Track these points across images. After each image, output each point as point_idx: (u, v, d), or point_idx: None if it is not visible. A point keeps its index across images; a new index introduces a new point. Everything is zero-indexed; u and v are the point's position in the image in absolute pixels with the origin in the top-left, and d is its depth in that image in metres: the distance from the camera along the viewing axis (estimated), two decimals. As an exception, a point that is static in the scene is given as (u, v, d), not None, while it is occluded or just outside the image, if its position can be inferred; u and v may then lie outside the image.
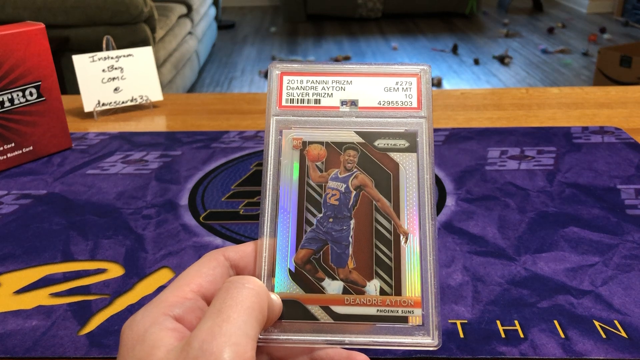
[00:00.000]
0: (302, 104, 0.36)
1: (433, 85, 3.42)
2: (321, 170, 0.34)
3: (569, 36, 4.43)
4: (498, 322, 0.43)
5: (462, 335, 0.41)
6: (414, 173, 0.34)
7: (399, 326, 0.31)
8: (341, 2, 4.97)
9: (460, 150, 0.72)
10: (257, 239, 0.33)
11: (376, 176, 0.34)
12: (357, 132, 0.35)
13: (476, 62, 3.82)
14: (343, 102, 0.36)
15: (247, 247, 0.33)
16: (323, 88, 0.36)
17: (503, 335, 0.41)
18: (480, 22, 4.97)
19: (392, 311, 0.31)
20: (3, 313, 0.45)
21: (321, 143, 0.35)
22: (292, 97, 0.36)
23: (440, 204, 0.60)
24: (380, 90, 0.36)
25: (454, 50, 4.10)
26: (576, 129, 0.77)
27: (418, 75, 0.36)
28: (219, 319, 0.26)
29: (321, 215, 0.33)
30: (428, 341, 0.31)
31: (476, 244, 0.52)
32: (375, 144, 0.35)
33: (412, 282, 0.32)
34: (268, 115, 0.35)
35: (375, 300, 0.32)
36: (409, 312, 0.31)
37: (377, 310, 0.32)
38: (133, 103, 0.88)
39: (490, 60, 3.89)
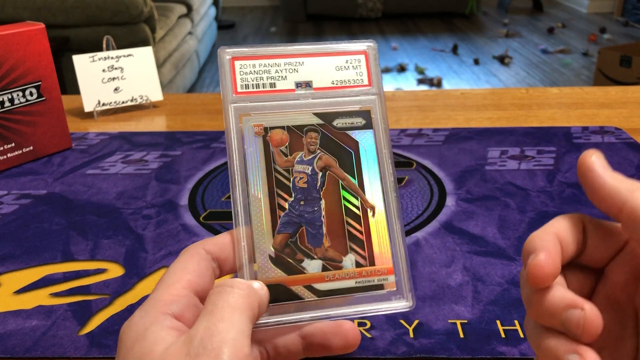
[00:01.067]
0: (257, 89, 0.36)
1: (433, 85, 3.42)
2: (286, 155, 0.35)
3: (569, 36, 4.43)
4: (498, 322, 0.43)
5: (462, 335, 0.41)
6: (373, 149, 0.36)
7: (377, 294, 0.34)
8: (341, 2, 4.97)
9: (460, 150, 0.72)
10: (233, 229, 0.34)
11: (339, 156, 0.35)
12: (316, 114, 0.36)
13: (476, 62, 3.82)
14: (298, 84, 0.36)
15: (225, 239, 0.33)
16: (277, 71, 0.36)
17: (503, 335, 0.41)
18: (480, 22, 4.97)
19: (368, 281, 0.34)
20: (3, 313, 0.45)
21: (282, 128, 0.35)
22: (246, 83, 0.36)
23: (440, 204, 0.60)
24: (332, 70, 0.37)
25: (454, 50, 4.10)
26: (576, 129, 0.77)
27: (365, 52, 0.37)
28: (214, 319, 0.27)
29: (292, 199, 0.34)
30: (403, 304, 0.34)
31: (476, 244, 0.52)
32: (334, 124, 0.36)
33: (383, 251, 0.34)
34: (225, 104, 0.35)
35: (352, 273, 0.34)
36: (384, 279, 0.34)
37: (356, 282, 0.34)
38: (133, 103, 0.88)
39: (490, 60, 3.89)
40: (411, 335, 0.42)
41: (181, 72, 3.00)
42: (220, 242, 0.33)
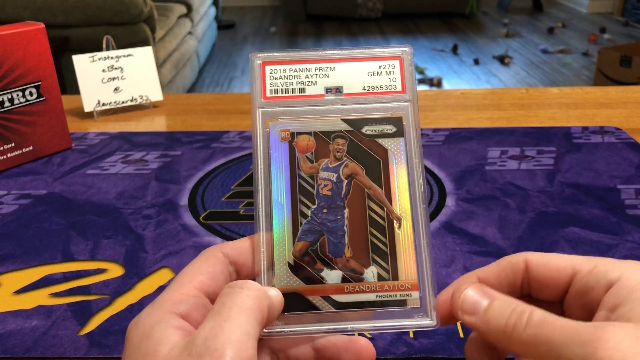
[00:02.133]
0: (286, 94, 0.35)
1: (433, 85, 3.42)
2: (311, 161, 0.34)
3: (569, 36, 4.43)
4: (498, 322, 0.43)
5: (462, 335, 0.41)
6: (403, 158, 0.34)
7: (399, 310, 0.32)
8: (341, 2, 4.97)
9: (460, 150, 0.72)
10: (253, 235, 0.33)
11: (366, 163, 0.34)
12: (344, 120, 0.35)
13: (476, 62, 3.82)
14: (328, 90, 0.35)
15: (244, 243, 0.33)
16: (307, 76, 0.35)
17: (503, 335, 0.41)
18: (480, 22, 4.97)
19: (390, 296, 0.32)
20: (3, 313, 0.45)
21: (309, 133, 0.35)
22: (276, 88, 0.35)
23: (440, 204, 0.60)
24: (364, 75, 0.36)
25: (454, 50, 4.10)
26: (576, 129, 0.77)
27: (400, 57, 0.36)
28: (220, 319, 0.27)
29: (315, 206, 0.33)
30: (427, 322, 0.32)
31: (476, 244, 0.52)
32: (363, 130, 0.35)
33: (408, 266, 0.33)
34: (254, 108, 0.35)
35: (373, 286, 0.32)
36: (407, 295, 0.32)
37: (377, 296, 0.32)
38: (133, 103, 0.88)
39: (490, 60, 3.89)
40: (411, 335, 0.42)
41: (181, 72, 3.00)
42: (239, 247, 0.33)
